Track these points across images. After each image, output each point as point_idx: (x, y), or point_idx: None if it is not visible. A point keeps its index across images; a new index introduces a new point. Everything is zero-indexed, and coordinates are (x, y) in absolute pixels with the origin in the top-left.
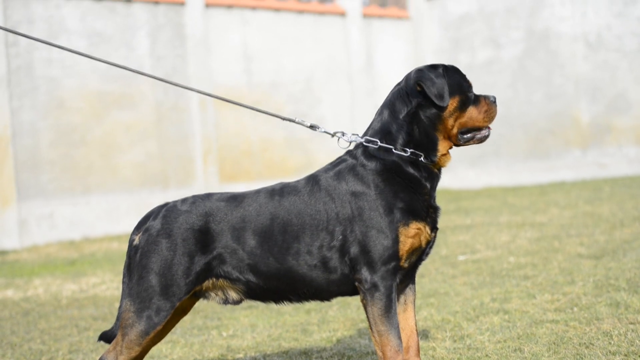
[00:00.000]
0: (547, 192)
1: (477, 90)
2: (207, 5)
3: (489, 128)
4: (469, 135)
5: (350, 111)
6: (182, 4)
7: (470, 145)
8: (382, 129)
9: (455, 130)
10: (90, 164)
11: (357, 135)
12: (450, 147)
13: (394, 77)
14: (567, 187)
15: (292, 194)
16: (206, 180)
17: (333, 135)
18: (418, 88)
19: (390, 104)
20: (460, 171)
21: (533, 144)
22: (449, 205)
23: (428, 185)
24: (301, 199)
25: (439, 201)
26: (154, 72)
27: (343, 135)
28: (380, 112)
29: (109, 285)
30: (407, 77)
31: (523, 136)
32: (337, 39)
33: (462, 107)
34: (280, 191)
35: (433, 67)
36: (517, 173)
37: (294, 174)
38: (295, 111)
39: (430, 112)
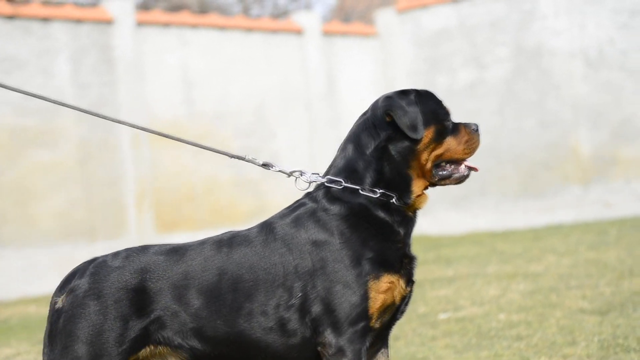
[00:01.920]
0: (543, 237)
1: (458, 118)
2: (139, 24)
3: (469, 169)
4: (445, 172)
5: (309, 145)
6: (110, 22)
7: (447, 185)
8: (346, 167)
9: (429, 165)
10: (3, 213)
11: (318, 174)
12: (426, 187)
13: (360, 105)
14: (566, 230)
15: (243, 245)
16: (140, 230)
17: (290, 174)
18: (387, 118)
19: (355, 138)
20: (440, 214)
21: (525, 180)
22: (427, 253)
23: (402, 231)
24: (253, 251)
25: (416, 249)
26: (77, 102)
27: (301, 175)
28: (343, 147)
29: (25, 357)
30: (374, 106)
31: (513, 171)
32: (293, 61)
33: (438, 138)
34: (228, 242)
35: (404, 94)
36: (507, 215)
37: (245, 221)
38: (245, 146)
39: (401, 145)
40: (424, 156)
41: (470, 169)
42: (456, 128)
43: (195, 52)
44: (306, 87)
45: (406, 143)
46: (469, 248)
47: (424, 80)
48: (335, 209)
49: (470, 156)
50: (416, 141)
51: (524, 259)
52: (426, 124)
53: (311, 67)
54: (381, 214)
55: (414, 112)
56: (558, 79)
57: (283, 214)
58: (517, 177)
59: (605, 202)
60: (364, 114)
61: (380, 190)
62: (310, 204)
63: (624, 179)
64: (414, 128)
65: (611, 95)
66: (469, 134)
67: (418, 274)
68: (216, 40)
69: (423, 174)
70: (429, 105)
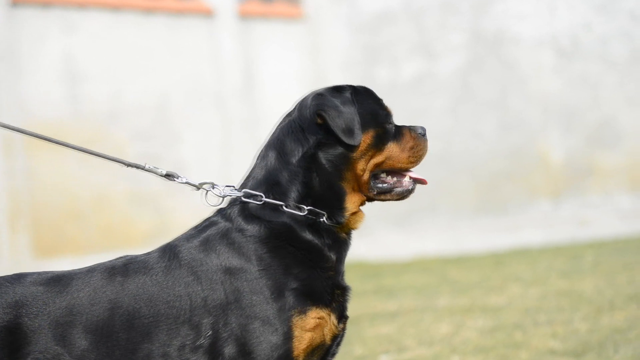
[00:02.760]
0: (505, 262)
1: (402, 119)
2: (14, 4)
3: (414, 182)
4: (385, 185)
5: (222, 152)
6: None
7: (388, 201)
8: (267, 179)
9: (367, 176)
10: None
11: (233, 187)
12: (363, 203)
13: (284, 103)
14: (534, 254)
15: (141, 273)
16: (14, 254)
17: (199, 187)
18: (318, 120)
19: (278, 143)
20: (381, 235)
21: (484, 194)
22: (365, 283)
23: (333, 256)
24: (153, 280)
25: (351, 278)
26: None
27: (213, 188)
28: (264, 155)
29: None
30: (302, 105)
31: (469, 183)
32: (203, 49)
33: (378, 144)
34: (123, 269)
35: (337, 90)
36: (462, 235)
37: (143, 243)
38: (143, 153)
39: (334, 153)
40: (361, 165)
41: (416, 181)
42: (399, 132)
43: (83, 39)
44: (218, 81)
45: (340, 150)
46: (415, 276)
47: (362, 73)
48: (252, 229)
49: (415, 165)
50: (352, 148)
51: (482, 289)
52: (364, 127)
53: (224, 56)
54: (309, 235)
55: (349, 113)
56: (523, 72)
57: (190, 235)
58: (474, 190)
59: (580, 220)
60: (289, 114)
61: (308, 207)
62: (223, 223)
63: (602, 192)
64: (349, 132)
65: (587, 91)
66: (415, 138)
67: (353, 307)
68: (109, 24)
69: (359, 187)
70: (367, 104)
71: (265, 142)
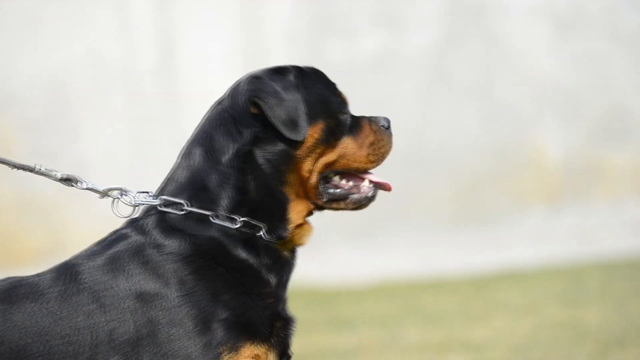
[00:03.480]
0: (491, 285)
1: (360, 109)
2: None
3: (375, 186)
4: (339, 191)
5: (134, 148)
6: None
7: (342, 210)
8: (192, 182)
9: (315, 179)
10: None
11: (148, 193)
12: (310, 212)
13: (212, 88)
14: (525, 275)
15: (30, 300)
16: None
17: (105, 194)
18: (253, 109)
19: (205, 138)
20: (335, 252)
21: (463, 201)
22: (314, 312)
23: (273, 279)
24: (46, 309)
25: (296, 306)
26: None
27: (123, 195)
28: (188, 153)
29: None
30: (235, 91)
31: (446, 187)
32: (109, 20)
33: (328, 139)
34: (7, 294)
35: (279, 73)
36: (437, 253)
37: (33, 262)
38: (35, 151)
39: (273, 150)
40: (307, 166)
41: (378, 186)
42: (357, 124)
43: None
44: (130, 59)
45: (280, 146)
46: (378, 304)
47: (310, 50)
48: (172, 245)
49: (376, 166)
50: (295, 144)
51: (461, 319)
52: (311, 118)
53: (137, 29)
54: (242, 253)
55: (292, 101)
56: (512, 49)
57: (93, 252)
58: (451, 197)
59: (582, 234)
60: (219, 102)
61: (242, 218)
62: (135, 237)
63: (610, 199)
64: (292, 124)
65: (591, 73)
66: (376, 132)
67: (299, 343)
68: None
69: (305, 193)
70: (316, 89)
71: (191, 137)
